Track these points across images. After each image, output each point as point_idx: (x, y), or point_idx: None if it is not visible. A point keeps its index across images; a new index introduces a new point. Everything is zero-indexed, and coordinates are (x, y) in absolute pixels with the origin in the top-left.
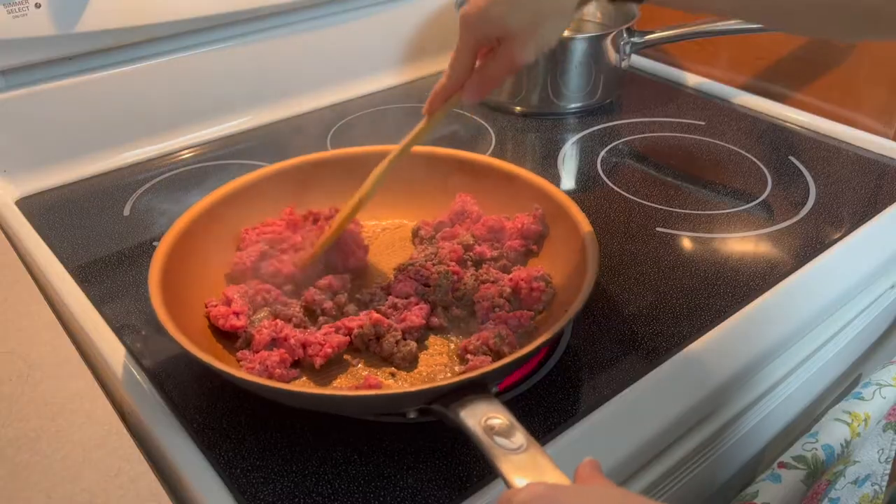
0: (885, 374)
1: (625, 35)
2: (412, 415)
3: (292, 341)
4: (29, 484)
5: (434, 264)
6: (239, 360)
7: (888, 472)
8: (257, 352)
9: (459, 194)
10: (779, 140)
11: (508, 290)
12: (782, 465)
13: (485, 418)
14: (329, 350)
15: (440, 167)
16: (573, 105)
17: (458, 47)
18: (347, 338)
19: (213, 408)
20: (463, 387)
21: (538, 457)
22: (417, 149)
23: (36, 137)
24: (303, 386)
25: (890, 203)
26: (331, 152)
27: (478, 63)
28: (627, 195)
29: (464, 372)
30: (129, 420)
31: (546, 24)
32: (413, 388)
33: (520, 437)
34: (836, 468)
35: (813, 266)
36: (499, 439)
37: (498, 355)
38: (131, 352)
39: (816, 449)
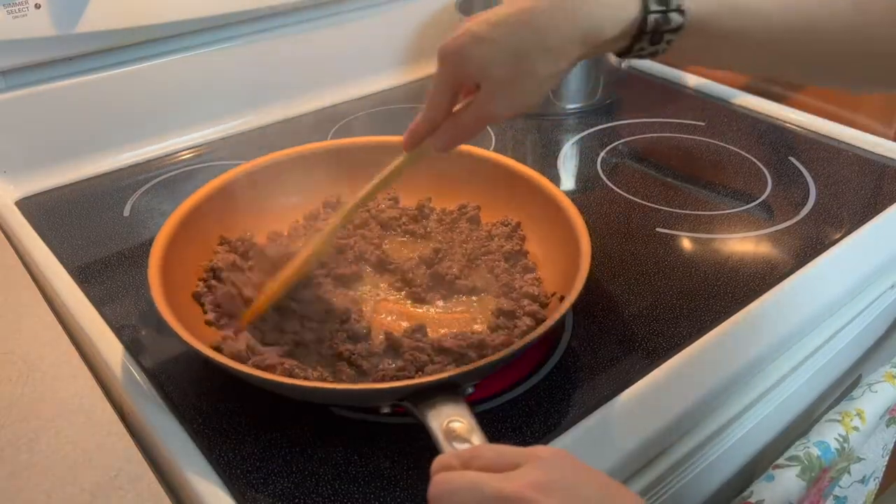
0: (877, 375)
1: None
2: (385, 409)
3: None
4: (29, 484)
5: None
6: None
7: None
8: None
9: None
10: (779, 140)
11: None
12: (777, 468)
13: (447, 420)
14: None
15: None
16: (573, 105)
17: (433, 82)
18: None
19: (213, 408)
20: (432, 387)
21: None
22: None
23: (36, 138)
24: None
25: (890, 203)
26: (325, 143)
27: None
28: (627, 195)
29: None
30: (129, 420)
31: (529, 79)
32: (381, 385)
33: (476, 441)
34: (839, 465)
35: (813, 266)
36: (456, 444)
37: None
38: (131, 352)
39: (808, 447)
